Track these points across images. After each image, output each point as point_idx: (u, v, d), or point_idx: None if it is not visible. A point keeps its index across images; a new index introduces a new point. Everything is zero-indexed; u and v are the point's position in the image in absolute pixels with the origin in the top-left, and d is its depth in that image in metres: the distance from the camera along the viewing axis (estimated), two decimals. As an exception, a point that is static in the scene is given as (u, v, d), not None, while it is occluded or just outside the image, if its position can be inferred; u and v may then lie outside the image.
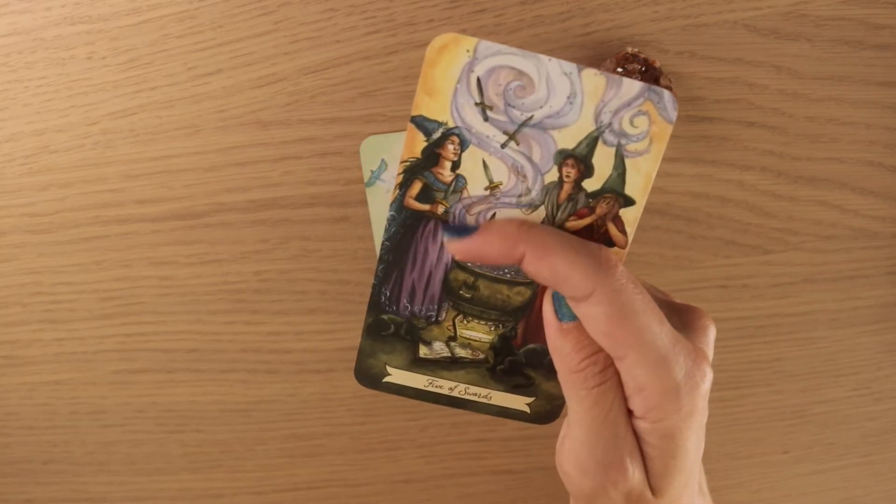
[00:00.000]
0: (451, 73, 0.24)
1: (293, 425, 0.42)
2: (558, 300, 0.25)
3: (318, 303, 0.39)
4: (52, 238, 0.37)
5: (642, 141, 0.25)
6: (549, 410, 0.29)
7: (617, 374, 0.25)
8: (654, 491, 0.26)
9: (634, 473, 0.25)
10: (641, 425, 0.25)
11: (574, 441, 0.26)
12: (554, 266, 0.24)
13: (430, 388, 0.29)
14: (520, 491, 0.44)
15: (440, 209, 0.26)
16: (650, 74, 0.32)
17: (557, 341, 0.25)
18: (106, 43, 0.33)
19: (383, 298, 0.28)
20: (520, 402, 0.30)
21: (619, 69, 0.32)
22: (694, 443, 0.26)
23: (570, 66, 0.24)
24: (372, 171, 0.36)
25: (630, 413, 0.25)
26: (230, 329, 0.39)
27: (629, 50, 0.32)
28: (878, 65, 0.35)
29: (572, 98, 0.24)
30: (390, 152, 0.35)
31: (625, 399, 0.25)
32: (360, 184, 0.36)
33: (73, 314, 0.39)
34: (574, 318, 0.25)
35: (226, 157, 0.35)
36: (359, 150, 0.35)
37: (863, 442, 0.44)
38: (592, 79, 0.24)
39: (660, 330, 0.24)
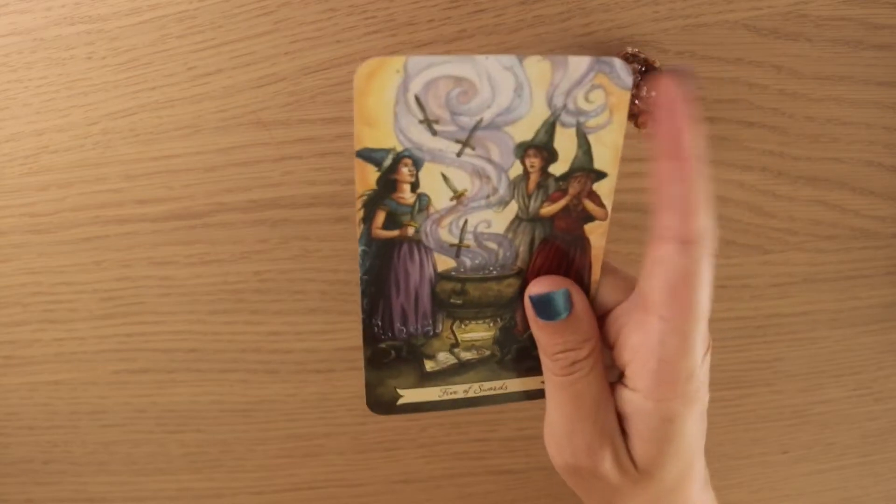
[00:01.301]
0: (385, 99, 0.23)
1: (293, 425, 0.42)
2: (536, 303, 0.26)
3: (318, 303, 0.39)
4: (52, 238, 0.37)
5: (602, 114, 0.24)
6: None
7: (596, 364, 0.26)
8: (643, 473, 0.26)
9: (604, 456, 0.26)
10: (642, 405, 0.25)
11: (550, 420, 0.27)
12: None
13: (445, 398, 0.29)
14: (519, 491, 0.44)
15: (410, 230, 0.26)
16: (650, 74, 0.32)
17: (537, 333, 0.27)
18: (106, 43, 0.33)
19: (376, 329, 0.28)
20: (535, 382, 0.30)
21: None
22: (693, 429, 0.26)
23: (510, 59, 0.23)
24: (372, 171, 0.36)
25: (622, 391, 0.26)
26: (230, 329, 0.39)
27: (629, 50, 0.32)
28: (878, 65, 0.35)
29: (519, 90, 0.23)
30: (390, 152, 0.35)
31: (605, 387, 0.26)
32: (360, 184, 0.36)
33: (74, 314, 0.39)
34: (550, 320, 0.26)
35: (226, 157, 0.35)
36: (359, 150, 0.35)
37: (863, 442, 0.44)
38: (536, 65, 0.23)
39: (707, 310, 0.24)
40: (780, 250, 0.38)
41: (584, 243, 0.27)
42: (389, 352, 0.28)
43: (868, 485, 0.46)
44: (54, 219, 0.37)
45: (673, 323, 0.24)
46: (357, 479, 0.44)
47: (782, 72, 0.34)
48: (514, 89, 0.23)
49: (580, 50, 0.33)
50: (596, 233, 0.27)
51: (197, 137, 0.35)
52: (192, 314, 0.39)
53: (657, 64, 0.32)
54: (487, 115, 0.24)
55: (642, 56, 0.32)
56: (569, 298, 0.26)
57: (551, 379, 0.26)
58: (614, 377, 0.27)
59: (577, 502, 0.45)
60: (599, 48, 0.33)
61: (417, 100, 0.23)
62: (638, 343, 0.25)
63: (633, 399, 0.25)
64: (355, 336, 0.40)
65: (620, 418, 0.26)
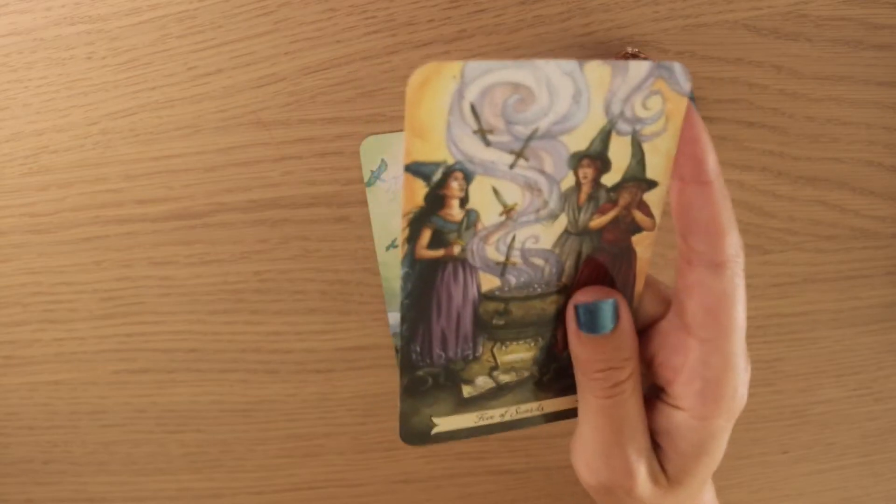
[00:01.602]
0: (439, 108, 0.21)
1: (293, 425, 0.42)
2: (582, 313, 0.25)
3: (318, 303, 0.39)
4: (52, 238, 0.37)
5: (658, 121, 0.23)
6: None
7: (637, 385, 0.25)
8: (674, 483, 0.26)
9: (641, 477, 0.25)
10: (685, 422, 0.25)
11: (583, 441, 0.26)
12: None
13: (481, 423, 0.28)
14: (519, 491, 0.44)
15: (456, 249, 0.24)
16: None
17: (577, 348, 0.25)
18: (106, 43, 0.33)
19: (414, 356, 0.26)
20: (571, 402, 0.29)
21: None
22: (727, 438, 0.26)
23: (571, 64, 0.22)
24: (372, 171, 0.36)
25: (663, 407, 0.26)
26: (230, 329, 0.39)
27: (629, 50, 0.32)
28: (878, 65, 0.34)
29: (578, 97, 0.22)
30: (390, 152, 0.35)
31: (642, 406, 0.25)
32: (361, 184, 0.36)
33: (74, 314, 0.39)
34: (594, 332, 0.25)
35: (226, 157, 0.35)
36: (359, 150, 0.35)
37: (863, 442, 0.44)
38: (596, 70, 0.22)
39: (744, 325, 0.24)
40: (780, 250, 0.38)
41: (630, 255, 0.26)
42: (427, 379, 0.27)
43: (868, 485, 0.46)
44: (54, 219, 0.37)
45: (714, 343, 0.24)
46: (357, 479, 0.44)
47: (782, 72, 0.34)
48: (573, 96, 0.22)
49: (580, 50, 0.33)
50: (643, 244, 0.25)
51: (197, 137, 0.35)
52: (192, 314, 0.39)
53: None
54: (544, 124, 0.22)
55: (642, 56, 0.32)
56: (616, 311, 0.25)
57: (589, 400, 0.26)
58: (648, 392, 0.27)
59: (576, 502, 0.45)
60: (599, 48, 0.33)
61: (473, 108, 0.22)
62: (679, 363, 0.25)
63: (676, 416, 0.25)
64: (355, 336, 0.40)
65: (654, 432, 0.26)
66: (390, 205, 0.36)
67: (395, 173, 0.36)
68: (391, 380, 0.41)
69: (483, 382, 0.27)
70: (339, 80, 0.34)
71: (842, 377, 0.42)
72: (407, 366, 0.26)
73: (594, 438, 0.26)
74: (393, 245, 0.37)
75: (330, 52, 0.33)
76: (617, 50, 0.33)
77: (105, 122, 0.34)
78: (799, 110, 0.35)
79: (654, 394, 0.27)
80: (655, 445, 0.26)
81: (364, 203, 0.36)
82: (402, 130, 0.35)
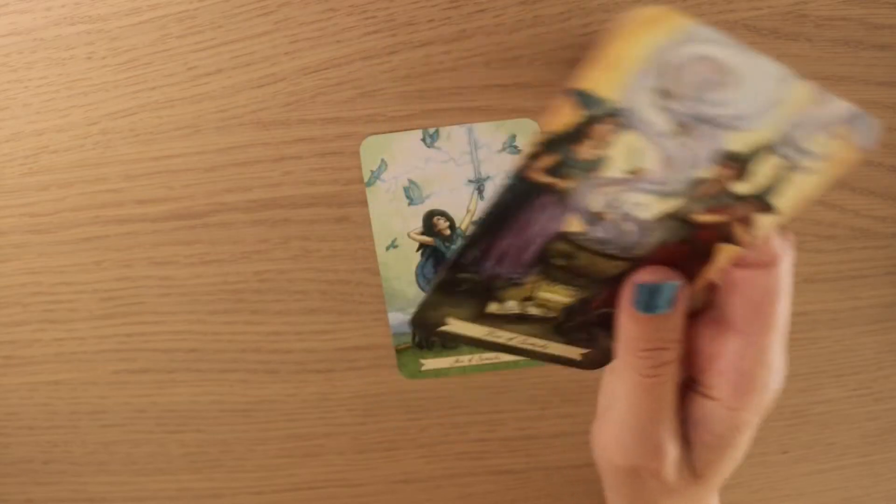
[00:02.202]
0: (644, 51, 0.20)
1: (293, 425, 0.42)
2: (642, 292, 0.25)
3: (318, 303, 0.39)
4: (52, 238, 0.37)
5: (818, 161, 0.23)
6: (601, 360, 0.29)
7: (676, 368, 0.25)
8: (697, 476, 0.26)
9: (670, 459, 0.26)
10: (715, 412, 0.25)
11: (617, 418, 0.26)
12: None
13: (487, 338, 0.28)
14: (519, 491, 0.44)
15: (565, 185, 0.23)
16: None
17: (627, 324, 0.25)
18: (106, 43, 0.33)
19: (466, 260, 0.25)
20: (574, 352, 0.29)
21: None
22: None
23: (786, 72, 0.21)
24: (372, 171, 0.36)
25: (693, 396, 0.26)
26: (230, 329, 0.39)
27: None
28: (878, 65, 0.34)
29: (770, 105, 0.21)
30: (390, 152, 0.35)
31: (677, 390, 0.25)
32: (360, 184, 0.36)
33: (74, 314, 0.39)
34: (649, 312, 0.25)
35: (226, 157, 0.35)
36: (359, 150, 0.35)
37: (863, 442, 0.44)
38: (802, 89, 0.21)
39: (787, 323, 0.24)
40: (780, 250, 0.38)
41: (709, 258, 0.25)
42: (463, 283, 0.26)
43: (868, 485, 0.46)
44: (54, 219, 0.37)
45: (753, 338, 0.24)
46: (357, 479, 0.44)
47: (782, 72, 0.34)
48: (768, 102, 0.21)
49: (580, 50, 0.33)
50: (725, 255, 0.25)
51: (197, 137, 0.35)
52: (192, 314, 0.39)
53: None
54: (724, 113, 0.21)
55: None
56: (676, 294, 0.24)
57: (632, 378, 0.25)
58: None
59: (576, 502, 0.45)
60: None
61: (675, 68, 0.20)
62: (715, 353, 0.25)
63: (707, 406, 0.25)
64: (355, 336, 0.40)
65: (682, 422, 0.26)
66: (390, 205, 0.36)
67: (395, 173, 0.36)
68: (391, 380, 0.41)
69: (510, 306, 0.27)
70: (338, 80, 0.34)
71: (842, 377, 0.42)
72: (453, 265, 0.25)
73: (631, 415, 0.25)
74: (393, 245, 0.37)
75: (330, 52, 0.33)
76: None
77: (105, 122, 0.34)
78: (799, 110, 0.35)
79: (685, 383, 0.27)
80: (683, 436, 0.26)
81: (364, 203, 0.36)
82: (402, 131, 0.35)
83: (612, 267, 0.25)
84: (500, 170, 0.36)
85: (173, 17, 0.32)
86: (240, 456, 0.43)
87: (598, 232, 0.24)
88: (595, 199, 0.23)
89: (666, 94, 0.21)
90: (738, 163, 0.23)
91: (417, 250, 0.37)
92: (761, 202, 0.23)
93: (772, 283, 0.23)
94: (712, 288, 0.26)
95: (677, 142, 0.22)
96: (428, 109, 0.35)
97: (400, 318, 0.39)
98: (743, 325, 0.24)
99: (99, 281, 0.38)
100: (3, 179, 0.36)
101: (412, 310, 0.38)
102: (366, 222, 0.37)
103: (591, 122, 0.21)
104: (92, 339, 0.39)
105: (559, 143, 0.22)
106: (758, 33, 0.33)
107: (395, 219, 0.37)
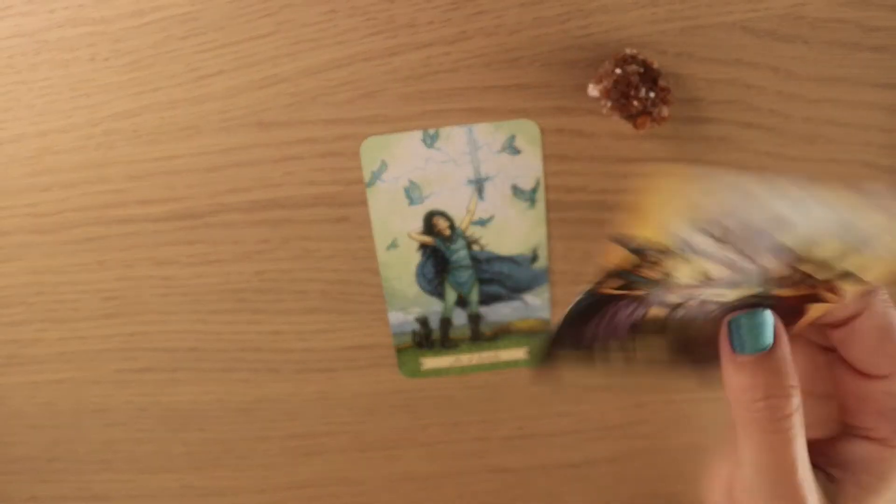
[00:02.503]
0: (668, 210, 0.20)
1: (294, 424, 0.42)
2: (737, 329, 0.23)
3: (318, 302, 0.39)
4: (54, 238, 0.37)
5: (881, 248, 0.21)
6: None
7: (801, 418, 0.23)
8: None
9: None
10: (876, 453, 0.25)
11: (746, 482, 0.24)
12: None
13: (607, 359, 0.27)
14: (519, 490, 0.45)
15: (639, 293, 0.23)
16: (648, 75, 0.32)
17: (733, 375, 0.23)
18: (109, 45, 0.33)
19: (565, 339, 0.26)
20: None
21: (618, 70, 0.32)
22: None
23: (850, 215, 0.19)
24: (372, 172, 0.36)
25: (846, 439, 0.25)
26: (232, 328, 0.39)
27: (627, 51, 0.32)
28: (874, 67, 0.35)
29: (841, 229, 0.20)
30: (390, 153, 0.36)
31: (805, 441, 0.24)
32: (361, 184, 0.36)
33: (76, 313, 0.39)
34: (752, 351, 0.23)
35: (227, 158, 0.35)
36: (359, 150, 0.35)
37: (860, 441, 0.44)
38: (872, 219, 0.20)
39: None
40: (777, 250, 0.38)
41: (800, 313, 0.24)
42: (562, 357, 0.27)
43: (865, 483, 0.46)
44: (57, 219, 0.37)
45: (892, 378, 0.24)
46: (358, 478, 0.44)
47: (779, 73, 0.35)
48: (833, 224, 0.20)
49: (579, 51, 0.34)
50: (818, 309, 0.24)
51: (199, 138, 0.35)
52: (194, 314, 0.39)
53: (655, 65, 0.32)
54: (780, 238, 0.20)
55: (641, 57, 0.32)
56: (773, 325, 0.23)
57: (751, 435, 0.23)
58: (831, 430, 0.26)
59: (576, 502, 0.45)
60: (598, 49, 0.34)
61: (719, 224, 0.20)
62: (864, 394, 0.24)
63: (866, 447, 0.25)
64: (356, 335, 0.40)
65: (829, 464, 0.25)
66: (390, 205, 0.37)
67: (395, 174, 0.36)
68: (391, 379, 0.41)
69: (616, 357, 0.27)
70: (340, 82, 0.34)
71: (839, 376, 0.42)
72: (557, 341, 0.26)
73: (760, 478, 0.23)
74: (393, 245, 0.37)
75: (331, 54, 0.34)
76: (616, 51, 0.33)
77: (108, 124, 0.35)
78: (796, 112, 0.35)
79: (834, 425, 0.26)
80: (829, 478, 0.25)
81: (364, 203, 0.37)
82: (402, 132, 0.35)
83: (702, 327, 0.25)
84: (499, 170, 0.36)
85: (176, 19, 0.33)
86: (241, 454, 0.43)
87: (680, 313, 0.24)
88: (672, 297, 0.23)
89: (715, 237, 0.20)
90: (810, 262, 0.22)
91: (417, 250, 0.38)
92: (849, 276, 0.22)
93: (877, 321, 0.23)
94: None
95: (733, 251, 0.21)
96: (428, 110, 0.35)
97: (400, 317, 0.39)
98: (877, 370, 0.24)
99: (101, 280, 0.38)
100: (6, 180, 0.36)
101: (412, 309, 0.38)
102: (366, 222, 0.37)
103: (644, 255, 0.21)
104: (94, 339, 0.40)
105: (619, 273, 0.22)
106: (755, 35, 0.34)
107: (395, 219, 0.37)
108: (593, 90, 0.32)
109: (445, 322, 0.39)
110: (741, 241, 0.20)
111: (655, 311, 0.24)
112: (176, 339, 0.40)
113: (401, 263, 0.38)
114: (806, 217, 0.20)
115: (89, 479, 0.44)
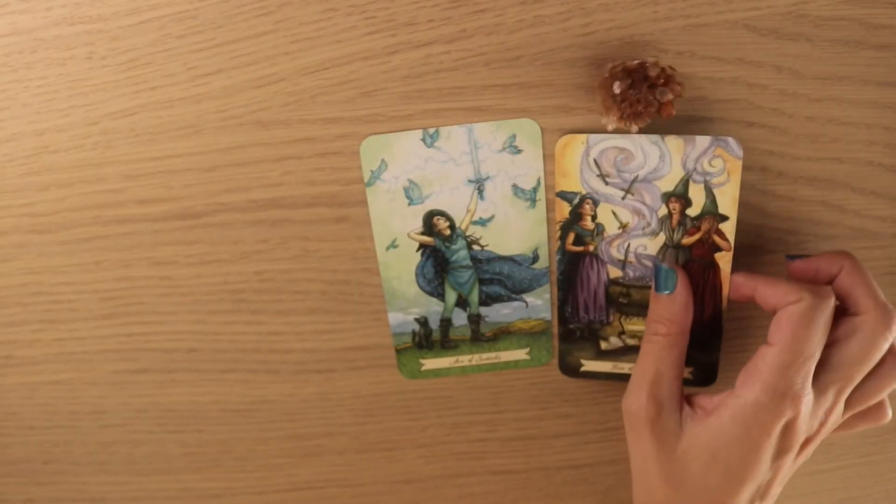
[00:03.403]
0: (575, 160, 0.35)
1: (293, 425, 0.42)
2: (656, 273, 0.35)
3: (318, 303, 0.39)
4: (52, 238, 0.37)
5: (722, 175, 0.34)
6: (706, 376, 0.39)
7: (671, 347, 0.34)
8: (837, 390, 0.33)
9: (644, 418, 0.34)
10: (861, 323, 0.33)
11: (633, 373, 0.35)
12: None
13: (615, 371, 0.39)
14: (519, 491, 0.44)
15: (591, 247, 0.37)
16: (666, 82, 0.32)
17: (650, 304, 0.35)
18: (106, 43, 0.33)
19: (567, 314, 0.38)
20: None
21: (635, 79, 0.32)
22: (730, 429, 0.33)
23: (656, 137, 0.34)
24: (372, 171, 0.36)
25: (845, 318, 0.33)
26: (230, 329, 0.39)
27: (650, 60, 0.32)
28: (877, 65, 0.35)
29: (663, 157, 0.34)
30: (390, 152, 0.35)
31: (673, 368, 0.34)
32: (361, 184, 0.36)
33: (74, 314, 0.39)
34: (662, 291, 0.35)
35: (226, 157, 0.35)
36: (359, 150, 0.35)
37: (863, 442, 0.44)
38: (674, 141, 0.34)
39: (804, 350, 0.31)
40: (780, 250, 0.38)
41: (715, 267, 0.36)
42: (575, 331, 0.39)
43: (868, 485, 0.46)
44: (55, 219, 0.37)
45: (867, 316, 0.33)
46: (357, 479, 0.44)
47: (782, 72, 0.34)
48: (660, 157, 0.34)
49: (580, 49, 0.33)
50: (723, 260, 0.36)
51: (197, 137, 0.35)
52: (193, 314, 0.39)
53: (651, 72, 0.32)
54: (641, 173, 0.35)
55: (650, 62, 0.32)
56: (675, 281, 0.34)
57: (643, 347, 0.35)
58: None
59: (576, 502, 0.45)
60: (599, 48, 0.33)
61: (595, 162, 0.35)
62: (759, 352, 0.32)
63: (856, 321, 0.33)
64: (355, 336, 0.40)
65: (830, 344, 0.32)
66: (390, 205, 0.36)
67: (395, 173, 0.36)
68: (391, 379, 0.41)
69: (615, 342, 0.39)
70: (339, 80, 0.34)
71: (842, 377, 0.41)
72: (562, 320, 0.39)
73: (635, 369, 0.35)
74: (393, 245, 0.37)
75: (330, 52, 0.33)
76: (616, 51, 0.33)
77: (105, 122, 0.34)
78: (799, 110, 0.35)
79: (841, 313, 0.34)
80: (824, 360, 0.32)
81: (364, 203, 0.36)
82: (402, 131, 0.35)
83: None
84: (499, 170, 0.36)
85: (173, 17, 0.32)
86: (240, 456, 0.43)
87: (631, 272, 0.37)
88: (614, 251, 0.37)
89: (603, 176, 0.35)
90: (678, 197, 0.35)
91: (417, 250, 0.37)
92: (713, 215, 0.35)
93: (847, 280, 0.34)
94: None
95: (632, 199, 0.35)
96: (428, 109, 0.35)
97: (400, 318, 0.39)
98: (770, 338, 0.32)
99: (99, 281, 0.38)
100: (3, 179, 0.36)
101: (412, 309, 0.38)
102: (366, 222, 0.37)
103: (578, 206, 0.36)
104: (92, 339, 0.40)
105: (570, 225, 0.36)
106: (758, 33, 0.33)
107: (395, 219, 0.37)
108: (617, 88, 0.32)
109: (445, 322, 0.39)
110: (636, 190, 0.35)
111: (613, 271, 0.37)
112: (174, 340, 0.39)
113: (401, 263, 0.38)
114: (669, 164, 0.34)
115: (86, 481, 0.43)
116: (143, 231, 0.37)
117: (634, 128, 0.32)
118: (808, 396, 0.31)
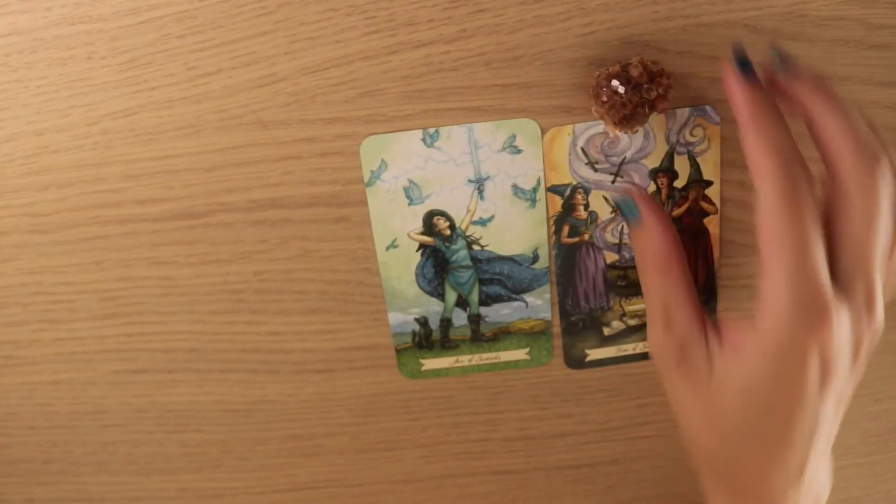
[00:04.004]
0: (563, 152, 0.35)
1: (293, 425, 0.42)
2: (619, 205, 0.34)
3: (318, 303, 0.39)
4: (52, 238, 0.37)
5: (703, 143, 0.35)
6: None
7: (665, 278, 0.32)
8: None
9: (664, 341, 0.32)
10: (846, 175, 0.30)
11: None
12: None
13: (620, 354, 0.40)
14: (520, 491, 0.44)
15: (586, 237, 0.37)
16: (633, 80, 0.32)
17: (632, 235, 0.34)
18: (106, 43, 0.33)
19: (568, 307, 0.38)
20: None
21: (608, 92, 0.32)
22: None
23: None
24: (372, 171, 0.36)
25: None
26: (230, 329, 0.39)
27: (634, 60, 0.32)
28: (878, 65, 0.35)
29: (647, 135, 0.35)
30: (390, 152, 0.35)
31: (675, 296, 0.32)
32: (361, 184, 0.36)
33: (74, 314, 0.39)
34: (630, 217, 0.33)
35: (226, 157, 0.35)
36: (359, 150, 0.35)
37: (863, 442, 0.44)
38: (656, 118, 0.34)
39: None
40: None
41: (706, 233, 0.37)
42: (578, 323, 0.39)
43: (868, 485, 0.46)
44: (54, 219, 0.37)
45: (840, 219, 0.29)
46: (357, 479, 0.44)
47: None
48: (644, 136, 0.35)
49: (580, 49, 0.33)
50: (711, 224, 0.37)
51: (197, 137, 0.35)
52: (192, 314, 0.39)
53: (639, 76, 0.32)
54: (629, 154, 0.35)
55: (650, 63, 0.32)
56: (633, 204, 0.33)
57: (638, 267, 0.34)
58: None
59: (576, 503, 0.45)
60: (600, 48, 0.33)
61: (583, 150, 0.35)
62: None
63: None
64: (355, 336, 0.40)
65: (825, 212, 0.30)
66: (390, 205, 0.36)
67: (395, 173, 0.36)
68: (391, 379, 0.41)
69: (617, 325, 0.39)
70: (338, 80, 0.34)
71: (842, 377, 0.41)
72: (563, 313, 0.39)
73: (647, 316, 0.34)
74: (393, 245, 0.37)
75: (330, 52, 0.33)
76: (616, 51, 0.33)
77: (105, 122, 0.34)
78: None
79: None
80: (831, 249, 0.29)
81: (364, 203, 0.36)
82: (402, 131, 0.35)
83: None
84: (499, 170, 0.36)
85: (173, 17, 0.32)
86: (240, 456, 0.43)
87: (626, 254, 0.37)
88: (608, 236, 0.37)
89: (592, 164, 0.35)
90: (665, 171, 0.36)
91: (417, 250, 0.37)
92: (698, 182, 0.36)
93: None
94: None
95: (622, 182, 0.36)
96: (428, 109, 0.35)
97: (400, 318, 0.39)
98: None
99: (99, 281, 0.38)
100: (2, 179, 0.36)
101: (412, 309, 0.38)
102: (366, 222, 0.37)
103: (570, 198, 0.36)
104: (92, 339, 0.40)
105: (564, 218, 0.36)
106: (758, 33, 0.33)
107: (395, 219, 0.37)
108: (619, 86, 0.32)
109: (445, 322, 0.39)
110: (625, 172, 0.35)
111: (610, 256, 0.37)
112: (174, 340, 0.39)
113: (401, 263, 0.38)
114: (654, 141, 0.35)
115: (86, 481, 0.43)
116: (142, 231, 0.37)
117: (634, 129, 0.32)
118: (833, 301, 0.27)
